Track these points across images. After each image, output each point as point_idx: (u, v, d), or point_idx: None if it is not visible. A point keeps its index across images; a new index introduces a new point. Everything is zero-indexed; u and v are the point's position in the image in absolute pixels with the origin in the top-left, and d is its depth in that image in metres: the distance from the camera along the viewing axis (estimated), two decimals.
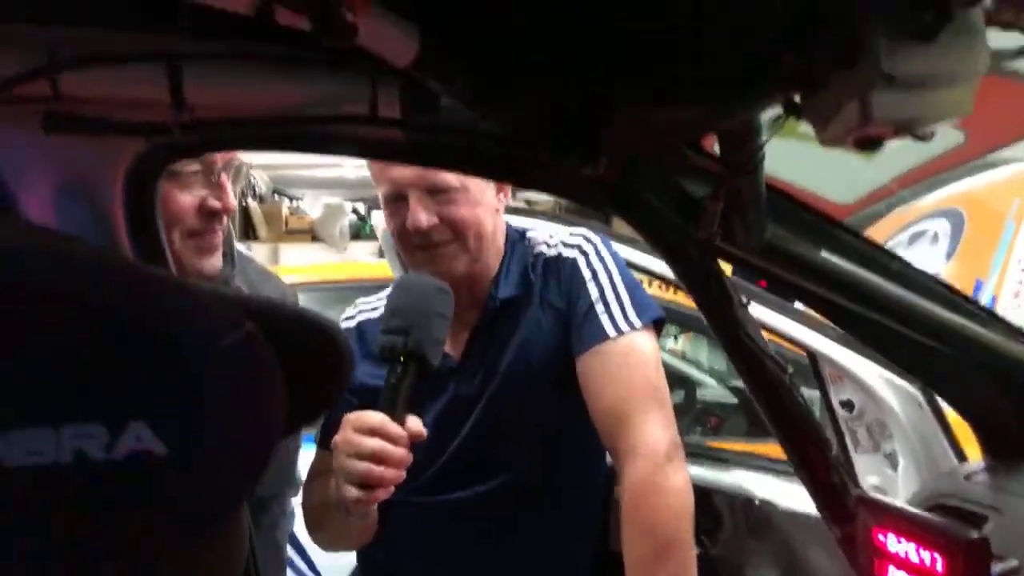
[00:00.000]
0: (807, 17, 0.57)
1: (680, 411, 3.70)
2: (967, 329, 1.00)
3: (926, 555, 0.79)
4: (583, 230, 1.33)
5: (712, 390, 3.74)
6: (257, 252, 7.16)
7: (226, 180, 1.26)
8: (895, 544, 0.83)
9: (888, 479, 1.30)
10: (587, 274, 1.26)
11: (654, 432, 1.17)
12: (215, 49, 0.81)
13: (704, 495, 1.62)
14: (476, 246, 1.26)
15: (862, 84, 0.51)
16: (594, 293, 1.23)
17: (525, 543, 1.29)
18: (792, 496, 1.49)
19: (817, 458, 0.95)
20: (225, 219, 1.29)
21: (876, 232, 3.46)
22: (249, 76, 0.82)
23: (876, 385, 1.25)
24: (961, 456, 1.22)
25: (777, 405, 0.94)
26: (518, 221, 1.43)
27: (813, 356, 1.33)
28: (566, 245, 1.31)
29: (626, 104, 0.76)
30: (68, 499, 0.38)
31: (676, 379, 3.86)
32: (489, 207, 1.28)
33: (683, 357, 4.13)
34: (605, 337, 1.19)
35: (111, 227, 0.92)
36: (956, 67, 0.51)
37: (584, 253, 1.29)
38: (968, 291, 3.19)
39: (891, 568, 0.83)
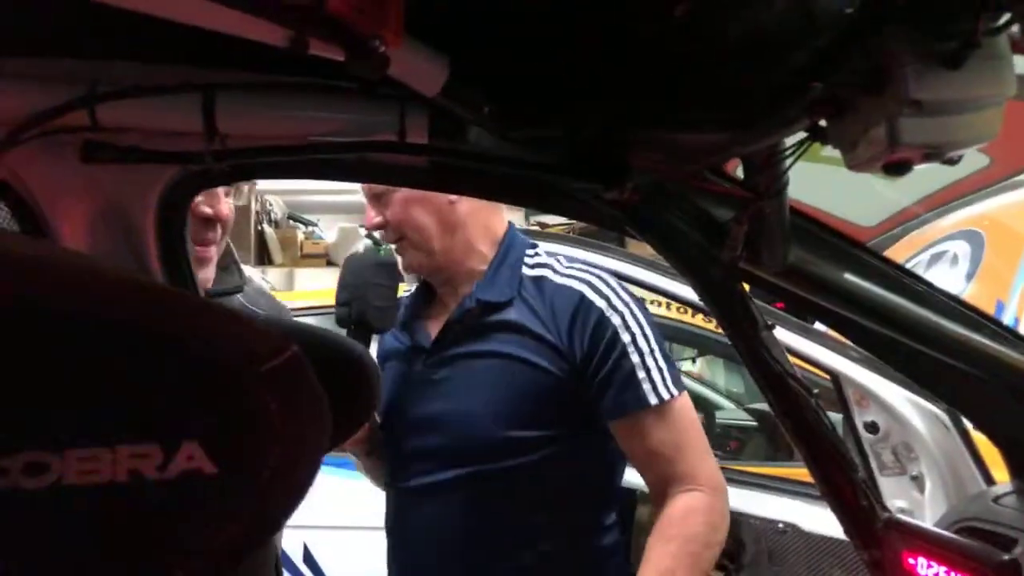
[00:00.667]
0: (835, 44, 0.59)
1: None
2: (993, 350, 1.00)
3: None
4: (599, 271, 1.35)
5: (730, 412, 3.71)
6: (272, 277, 7.22)
7: (220, 189, 1.28)
8: (925, 568, 0.82)
9: (915, 502, 1.29)
10: (626, 337, 1.28)
11: (710, 467, 1.28)
12: (247, 79, 0.83)
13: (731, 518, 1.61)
14: (420, 242, 1.35)
15: (890, 110, 0.52)
16: (635, 358, 1.26)
17: (487, 534, 1.31)
18: (814, 519, 1.48)
19: (844, 481, 0.94)
20: (219, 229, 1.31)
21: (893, 254, 3.44)
22: (280, 105, 0.84)
23: (901, 407, 1.25)
24: (989, 478, 1.21)
25: (803, 427, 0.94)
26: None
27: (836, 378, 1.33)
28: (579, 280, 1.32)
29: (649, 130, 0.77)
30: (122, 516, 0.39)
31: (694, 402, 3.85)
32: (433, 207, 1.34)
33: (701, 380, 4.11)
34: (648, 405, 1.25)
35: (143, 251, 0.93)
36: (982, 93, 0.52)
37: (614, 308, 1.29)
38: (990, 312, 3.17)
39: None
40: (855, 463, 0.95)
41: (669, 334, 3.00)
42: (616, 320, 1.27)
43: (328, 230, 7.93)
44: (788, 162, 0.77)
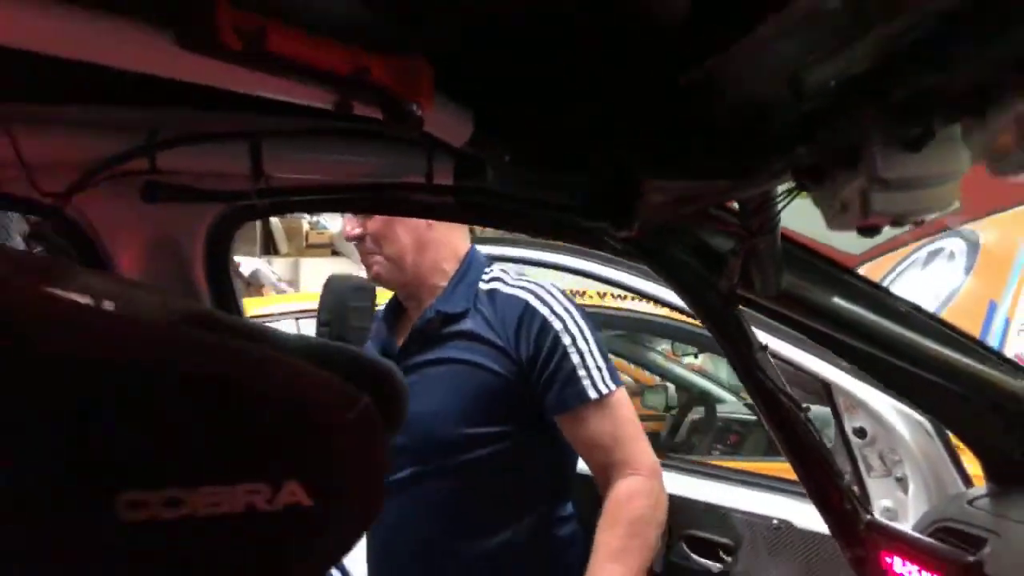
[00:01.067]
0: (817, 113, 0.67)
1: (701, 428, 3.78)
2: (970, 367, 1.09)
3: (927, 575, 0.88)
4: (544, 284, 1.50)
5: (732, 406, 3.80)
6: (278, 267, 7.32)
7: None
8: (900, 566, 0.92)
9: (899, 502, 1.38)
10: (566, 340, 1.42)
11: (646, 453, 1.41)
12: (291, 127, 0.92)
13: (724, 514, 1.71)
14: (394, 256, 1.50)
15: (861, 184, 0.60)
16: (575, 358, 1.40)
17: (449, 526, 1.43)
18: (808, 516, 1.57)
19: (831, 487, 1.04)
20: None
21: (875, 266, 3.54)
22: (320, 149, 0.93)
23: (887, 414, 1.34)
24: (968, 480, 1.30)
25: (793, 439, 1.03)
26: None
27: (828, 386, 1.42)
28: (525, 291, 1.47)
29: (654, 178, 0.86)
30: (239, 541, 0.48)
31: (697, 395, 3.93)
32: (412, 227, 1.50)
33: (703, 374, 4.20)
34: (588, 400, 1.39)
35: (193, 279, 1.03)
36: (941, 171, 0.61)
37: (556, 314, 1.43)
38: (982, 312, 3.25)
39: None
40: (840, 471, 1.04)
41: (670, 333, 3.10)
42: (557, 325, 1.41)
43: (333, 220, 8.01)
44: (779, 207, 0.86)
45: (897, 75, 0.59)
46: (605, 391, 1.39)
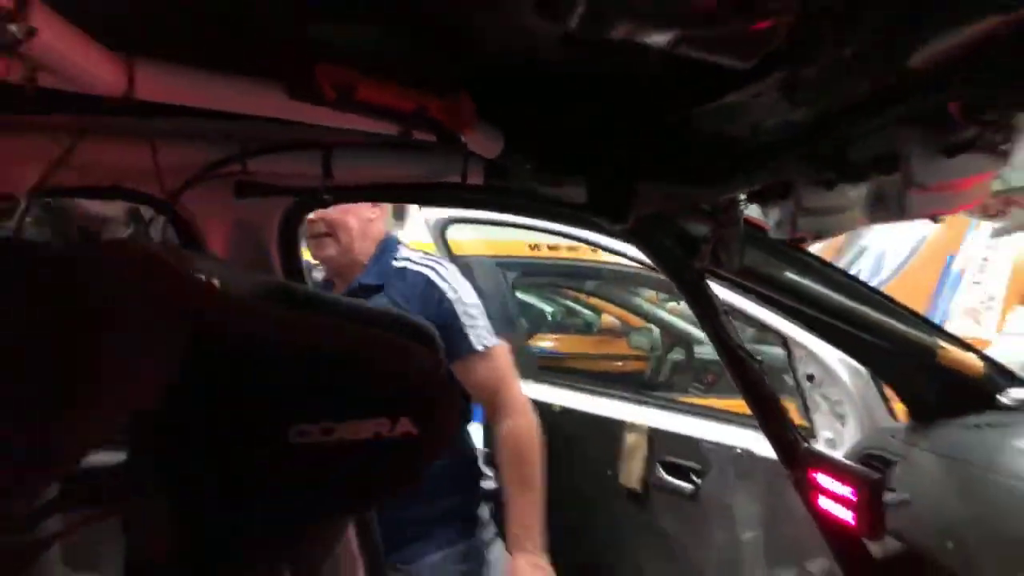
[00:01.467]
0: (763, 157, 0.92)
1: (681, 367, 4.09)
2: (895, 327, 1.36)
3: (845, 489, 1.16)
4: (444, 262, 1.86)
5: (710, 347, 4.09)
6: None
7: None
8: (826, 481, 1.20)
9: (839, 433, 1.67)
10: (459, 308, 1.76)
11: (520, 394, 1.78)
12: (355, 138, 1.14)
13: (696, 444, 2.00)
14: (346, 241, 1.82)
15: (791, 210, 0.85)
16: (465, 320, 1.75)
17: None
18: (765, 446, 1.87)
19: (778, 422, 1.31)
20: None
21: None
22: (379, 157, 1.16)
23: (832, 363, 1.62)
24: (894, 416, 1.59)
25: (748, 384, 1.30)
26: None
27: (785, 340, 1.69)
28: (428, 268, 1.81)
29: (646, 183, 1.10)
30: (372, 457, 0.75)
31: (677, 337, 4.23)
32: (360, 216, 1.82)
33: (682, 316, 4.49)
34: (475, 351, 1.72)
35: (270, 259, 1.27)
36: (847, 203, 0.85)
37: (452, 287, 1.78)
38: (942, 263, 3.53)
39: (822, 497, 1.21)
40: (785, 410, 1.32)
41: (652, 283, 3.36)
42: (452, 295, 1.77)
43: None
44: (741, 207, 1.11)
45: (822, 135, 0.83)
46: (489, 344, 1.74)
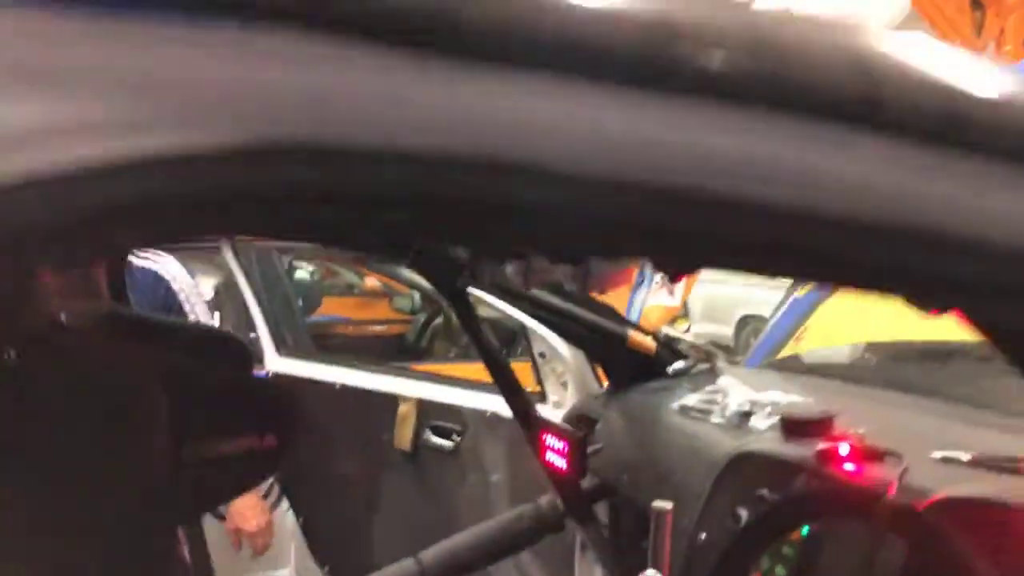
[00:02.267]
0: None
1: (440, 332, 4.54)
2: (598, 320, 1.87)
3: (560, 443, 1.63)
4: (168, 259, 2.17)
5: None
6: None
7: None
8: (549, 440, 1.67)
9: (563, 396, 2.19)
10: (182, 296, 2.12)
11: None
12: None
13: (457, 409, 2.44)
14: None
15: (524, 269, 1.26)
16: (187, 307, 2.11)
17: None
18: (509, 410, 2.35)
19: (515, 392, 1.76)
20: None
21: None
22: None
23: (558, 345, 2.11)
24: (601, 385, 2.13)
25: (493, 364, 1.73)
26: None
27: (524, 327, 2.17)
28: (154, 263, 2.12)
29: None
30: (248, 465, 1.06)
31: (437, 303, 4.66)
32: None
33: None
34: None
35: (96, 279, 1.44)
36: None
37: (175, 279, 2.13)
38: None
39: (548, 452, 1.67)
40: (520, 383, 1.76)
41: None
42: (176, 287, 2.12)
43: None
44: None
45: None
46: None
